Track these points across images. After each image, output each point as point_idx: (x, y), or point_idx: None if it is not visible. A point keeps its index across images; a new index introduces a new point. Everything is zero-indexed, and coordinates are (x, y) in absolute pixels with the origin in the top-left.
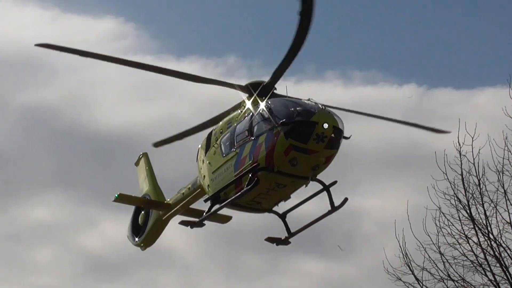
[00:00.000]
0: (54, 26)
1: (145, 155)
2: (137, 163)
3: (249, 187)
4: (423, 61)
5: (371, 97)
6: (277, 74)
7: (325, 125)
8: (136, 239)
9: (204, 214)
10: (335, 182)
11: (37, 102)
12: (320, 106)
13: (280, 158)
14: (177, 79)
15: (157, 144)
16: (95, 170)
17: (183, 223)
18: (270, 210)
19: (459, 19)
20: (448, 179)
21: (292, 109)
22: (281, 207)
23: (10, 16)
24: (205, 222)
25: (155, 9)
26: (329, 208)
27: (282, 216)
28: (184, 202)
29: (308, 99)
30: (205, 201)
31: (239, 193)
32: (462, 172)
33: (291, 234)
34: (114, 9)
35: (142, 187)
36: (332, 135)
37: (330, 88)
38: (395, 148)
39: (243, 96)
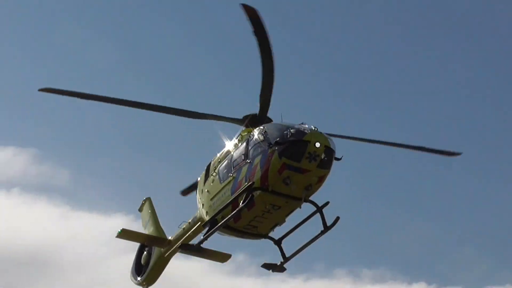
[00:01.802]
0: (63, 223)
1: (149, 199)
2: (140, 209)
3: (244, 203)
4: (433, 259)
5: None
6: (264, 102)
7: (317, 144)
8: (139, 278)
9: (202, 237)
10: (327, 203)
11: None
12: (312, 127)
13: (274, 176)
14: (176, 116)
15: (185, 192)
16: None
17: (182, 247)
18: (266, 236)
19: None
20: None
21: (286, 130)
22: (277, 233)
23: (20, 213)
24: (205, 260)
25: (164, 202)
26: (322, 229)
27: (278, 242)
28: (185, 237)
29: (302, 123)
30: (204, 226)
31: (235, 211)
32: None
33: (286, 259)
34: (124, 206)
35: (145, 230)
36: (324, 154)
37: (339, 286)
38: None
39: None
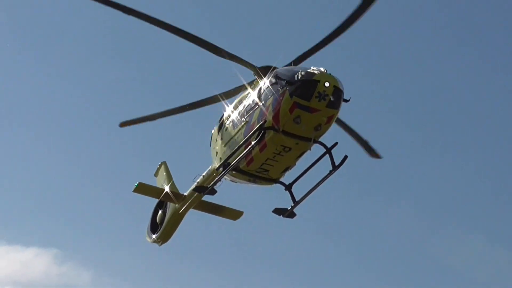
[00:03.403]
0: None
1: (164, 163)
2: (156, 174)
3: (256, 140)
4: None
5: None
6: (302, 56)
7: (326, 84)
8: (154, 236)
9: (216, 178)
10: (336, 144)
11: None
12: (322, 69)
13: (285, 116)
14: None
15: (124, 124)
16: None
17: (196, 189)
18: (277, 181)
19: None
20: None
21: (297, 71)
22: (287, 178)
23: None
24: (217, 217)
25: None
26: (330, 169)
27: (288, 187)
28: None
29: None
30: (217, 169)
31: (248, 148)
32: None
33: (296, 203)
34: None
35: None
36: (333, 94)
37: None
38: None
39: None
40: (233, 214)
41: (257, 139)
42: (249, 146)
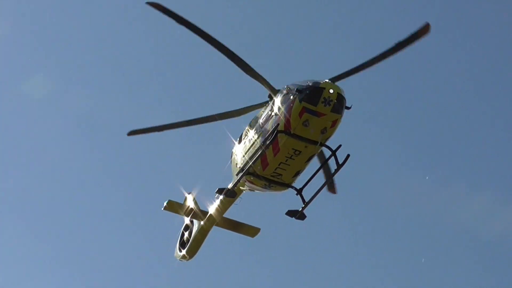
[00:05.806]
0: None
1: (191, 194)
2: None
3: (271, 139)
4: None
5: None
6: (256, 77)
7: (331, 90)
8: (182, 252)
9: (235, 180)
10: (340, 146)
11: None
12: (327, 80)
13: (295, 119)
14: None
15: (132, 133)
16: None
17: (218, 191)
18: (289, 185)
19: None
20: None
21: (305, 81)
22: (298, 183)
23: None
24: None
25: None
26: (335, 167)
27: (299, 191)
28: (222, 205)
29: None
30: (237, 174)
31: (263, 147)
32: None
33: (306, 204)
34: None
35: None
36: (337, 100)
37: None
38: None
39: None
40: (251, 231)
41: (271, 140)
42: (265, 145)
